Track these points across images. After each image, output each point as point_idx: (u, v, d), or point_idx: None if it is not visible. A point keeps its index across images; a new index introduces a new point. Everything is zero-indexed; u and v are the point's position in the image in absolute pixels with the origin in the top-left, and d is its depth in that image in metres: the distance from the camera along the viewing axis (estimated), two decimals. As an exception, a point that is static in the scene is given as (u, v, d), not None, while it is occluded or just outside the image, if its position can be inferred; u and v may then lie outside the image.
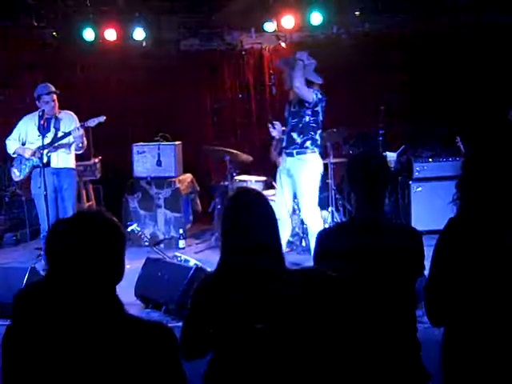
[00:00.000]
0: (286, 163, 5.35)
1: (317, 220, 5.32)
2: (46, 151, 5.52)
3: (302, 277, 2.32)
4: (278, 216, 2.46)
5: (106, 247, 1.77)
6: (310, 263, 2.77)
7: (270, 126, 5.37)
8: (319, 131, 5.28)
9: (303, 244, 6.13)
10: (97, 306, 1.75)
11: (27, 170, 5.69)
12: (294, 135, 5.26)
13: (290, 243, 6.04)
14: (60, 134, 5.62)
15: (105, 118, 5.60)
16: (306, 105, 5.16)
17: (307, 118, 5.21)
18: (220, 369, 2.26)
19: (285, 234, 5.29)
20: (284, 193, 5.34)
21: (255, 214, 2.34)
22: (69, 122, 5.71)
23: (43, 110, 5.53)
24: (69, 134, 5.58)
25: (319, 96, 5.14)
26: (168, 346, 1.78)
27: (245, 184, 6.38)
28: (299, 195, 5.34)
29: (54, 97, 5.65)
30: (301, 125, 5.24)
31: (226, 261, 2.33)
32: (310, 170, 5.24)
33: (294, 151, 5.26)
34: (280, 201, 5.35)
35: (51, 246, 1.78)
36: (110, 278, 1.80)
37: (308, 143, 5.24)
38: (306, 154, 5.24)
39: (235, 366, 2.22)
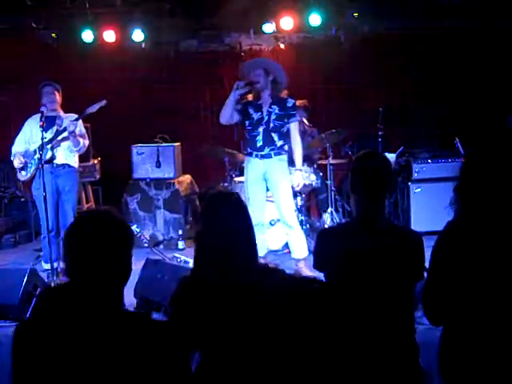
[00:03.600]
0: (260, 166, 5.27)
1: (295, 218, 5.42)
2: (49, 146, 5.51)
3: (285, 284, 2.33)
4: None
5: (118, 244, 1.86)
6: (310, 263, 2.78)
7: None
8: None
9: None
10: (107, 302, 1.80)
11: (33, 168, 5.67)
12: (275, 136, 5.20)
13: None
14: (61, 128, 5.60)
15: (105, 101, 5.56)
16: (293, 112, 5.26)
17: (288, 126, 5.26)
18: (208, 373, 2.27)
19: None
20: (260, 198, 5.36)
21: (229, 218, 2.34)
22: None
23: (42, 112, 5.52)
24: (66, 128, 5.55)
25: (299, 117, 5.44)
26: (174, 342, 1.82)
27: (244, 185, 6.37)
28: (280, 198, 5.28)
29: (53, 90, 5.64)
30: (283, 130, 5.24)
31: (201, 264, 2.34)
32: (287, 171, 5.33)
33: (272, 153, 5.21)
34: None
35: (69, 245, 1.83)
36: (120, 275, 1.88)
37: (286, 147, 5.29)
38: (283, 155, 5.27)
39: (222, 370, 2.23)
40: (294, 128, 5.31)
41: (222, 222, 2.32)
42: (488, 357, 2.11)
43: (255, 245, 2.38)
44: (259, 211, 5.33)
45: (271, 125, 5.21)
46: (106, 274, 1.80)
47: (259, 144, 5.23)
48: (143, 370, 1.74)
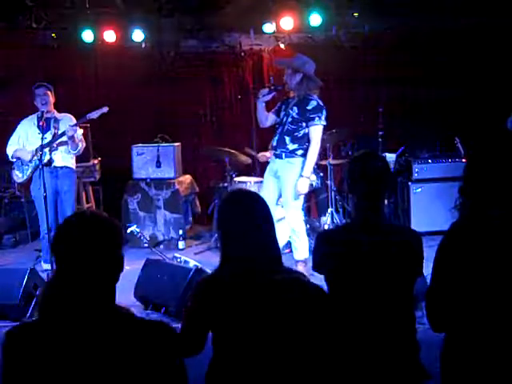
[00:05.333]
0: (275, 164, 5.28)
1: (300, 223, 5.31)
2: (47, 149, 5.51)
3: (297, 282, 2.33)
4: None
5: (105, 244, 1.83)
6: (310, 265, 2.78)
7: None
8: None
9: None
10: (98, 304, 1.80)
11: (30, 171, 5.67)
12: (287, 139, 5.12)
13: (289, 244, 6.03)
14: (60, 132, 5.60)
15: (107, 108, 5.57)
16: (312, 116, 5.04)
17: (307, 131, 5.10)
18: (221, 369, 2.27)
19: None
20: (267, 195, 5.24)
21: (257, 218, 2.34)
22: (68, 122, 5.68)
23: (42, 112, 5.53)
24: (65, 132, 5.54)
25: (323, 121, 5.09)
26: (169, 345, 1.82)
27: (244, 185, 6.38)
28: (285, 198, 5.24)
29: (46, 91, 5.63)
30: (298, 134, 5.10)
31: (227, 263, 2.33)
32: (299, 175, 5.12)
33: (283, 154, 5.16)
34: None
35: (56, 247, 1.84)
36: (110, 274, 1.86)
37: (299, 152, 5.13)
38: (295, 158, 5.13)
39: (236, 366, 2.23)
40: (312, 132, 5.07)
41: (244, 215, 2.32)
42: (492, 362, 2.09)
43: (276, 239, 2.38)
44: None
45: (285, 127, 5.15)
46: (97, 274, 1.80)
47: (274, 143, 5.26)
48: (134, 370, 1.74)
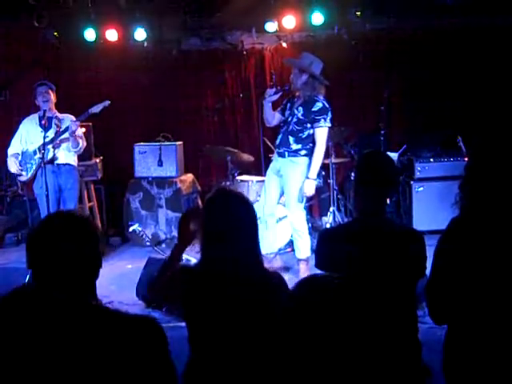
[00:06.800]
0: (277, 163, 5.29)
1: (303, 222, 5.30)
2: (50, 146, 5.50)
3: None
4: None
5: (84, 243, 1.83)
6: (312, 263, 2.78)
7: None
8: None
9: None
10: (77, 303, 1.77)
11: (34, 168, 5.67)
12: (291, 139, 5.13)
13: (291, 242, 6.04)
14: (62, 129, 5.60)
15: (109, 102, 5.56)
16: (318, 118, 5.04)
17: (311, 131, 5.10)
18: (199, 369, 2.28)
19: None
20: (269, 193, 5.33)
21: (235, 217, 2.35)
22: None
23: (44, 111, 5.53)
24: (69, 128, 5.55)
25: (328, 123, 5.09)
26: (154, 340, 1.77)
27: (246, 184, 6.39)
28: (287, 197, 5.26)
29: (48, 90, 5.62)
30: (302, 135, 5.10)
31: (206, 259, 2.40)
32: (301, 174, 5.12)
33: (286, 153, 5.17)
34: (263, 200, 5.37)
35: (31, 250, 1.83)
36: (88, 274, 1.85)
37: (303, 152, 5.13)
38: (298, 157, 5.13)
39: (213, 367, 2.23)
40: (317, 133, 5.07)
41: (224, 214, 2.35)
42: (493, 355, 2.10)
43: (256, 240, 2.38)
44: (266, 205, 5.31)
45: (290, 127, 5.15)
46: (74, 272, 1.79)
47: (277, 142, 5.27)
48: (117, 368, 1.69)
